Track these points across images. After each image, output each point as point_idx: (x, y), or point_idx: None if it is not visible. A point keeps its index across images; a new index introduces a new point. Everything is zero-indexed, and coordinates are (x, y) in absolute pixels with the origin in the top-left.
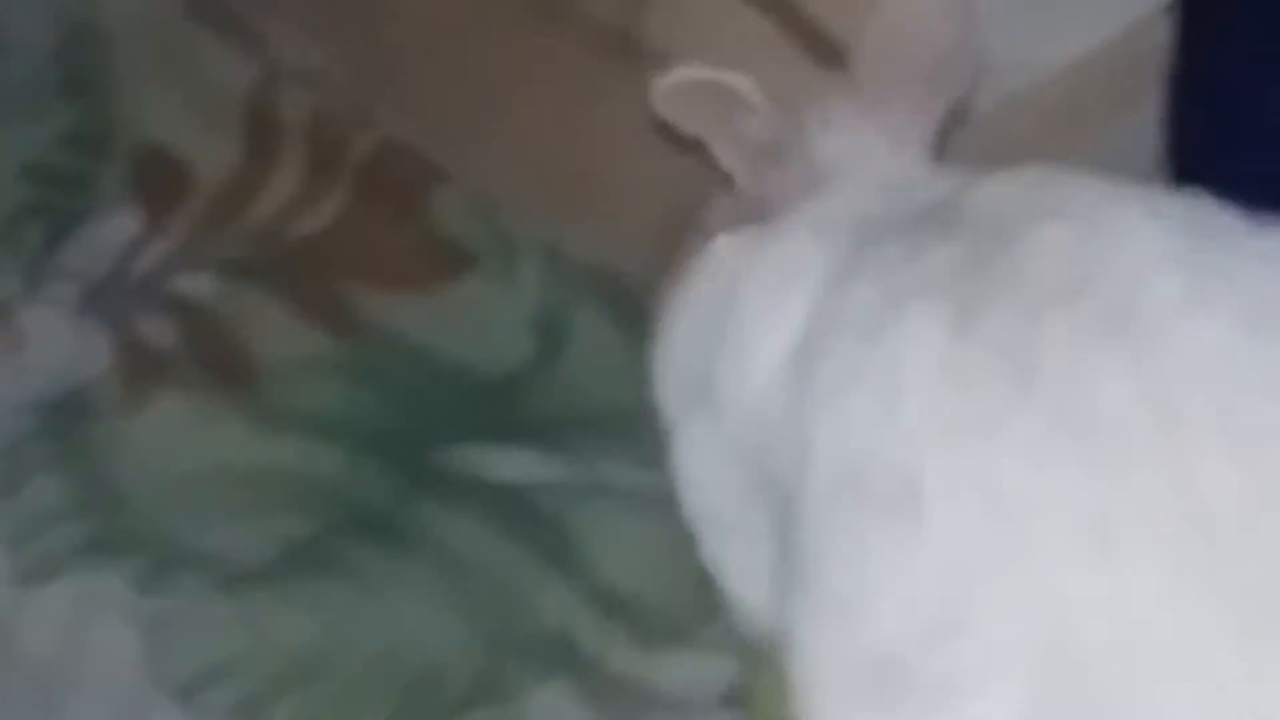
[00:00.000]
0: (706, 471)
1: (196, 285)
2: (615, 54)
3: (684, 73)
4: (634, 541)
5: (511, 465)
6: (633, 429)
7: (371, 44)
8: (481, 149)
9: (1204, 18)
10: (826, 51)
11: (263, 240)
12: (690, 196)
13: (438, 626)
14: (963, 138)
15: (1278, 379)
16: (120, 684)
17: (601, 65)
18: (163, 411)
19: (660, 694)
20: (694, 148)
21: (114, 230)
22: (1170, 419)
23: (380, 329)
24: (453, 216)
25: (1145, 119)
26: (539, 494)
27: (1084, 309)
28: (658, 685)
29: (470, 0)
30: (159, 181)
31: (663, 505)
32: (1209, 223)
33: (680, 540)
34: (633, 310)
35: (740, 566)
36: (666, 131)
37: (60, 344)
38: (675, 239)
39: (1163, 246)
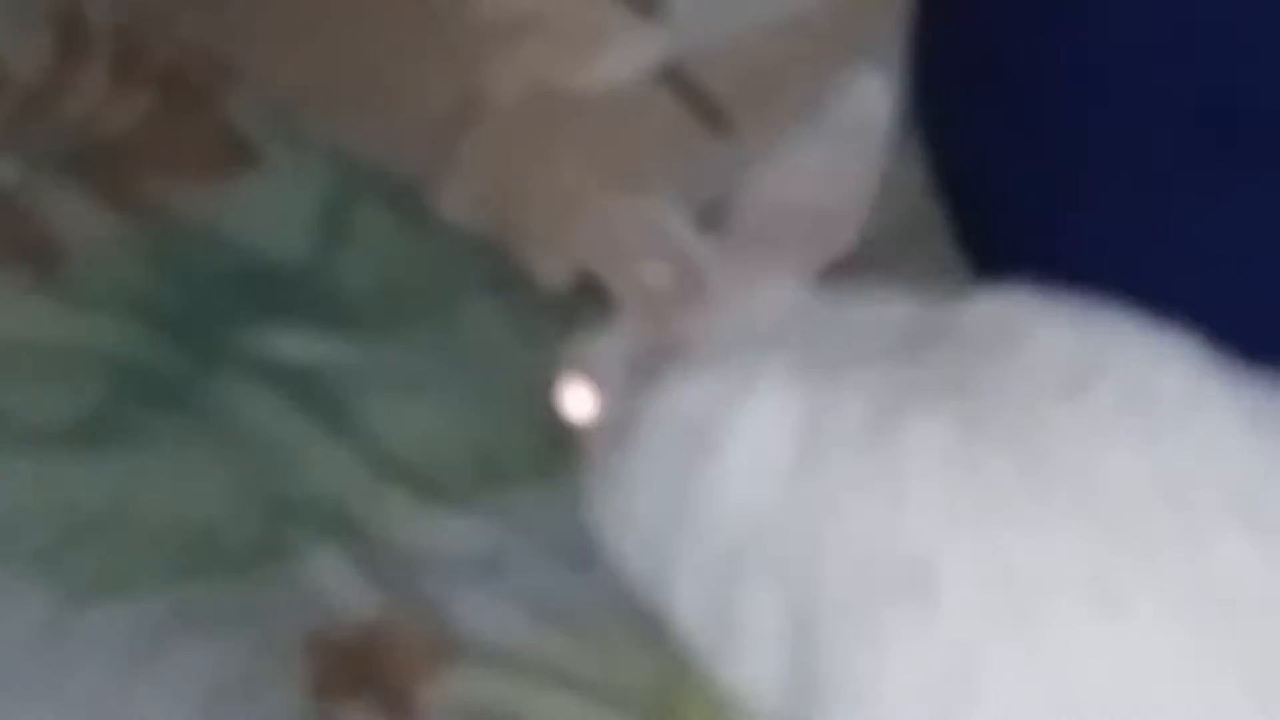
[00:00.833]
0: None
1: (5, 175)
2: None
3: (617, 210)
4: (410, 416)
5: (297, 345)
6: (409, 313)
7: None
8: (275, 56)
9: None
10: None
11: (70, 135)
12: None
13: (221, 491)
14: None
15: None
16: None
17: None
18: None
19: (430, 557)
20: None
21: None
22: (1183, 498)
23: (178, 218)
24: (247, 118)
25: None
26: (322, 372)
27: (1090, 402)
28: (429, 549)
29: None
30: None
31: (435, 385)
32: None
33: (451, 414)
34: (411, 205)
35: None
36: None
37: None
38: (447, 140)
39: (1164, 349)
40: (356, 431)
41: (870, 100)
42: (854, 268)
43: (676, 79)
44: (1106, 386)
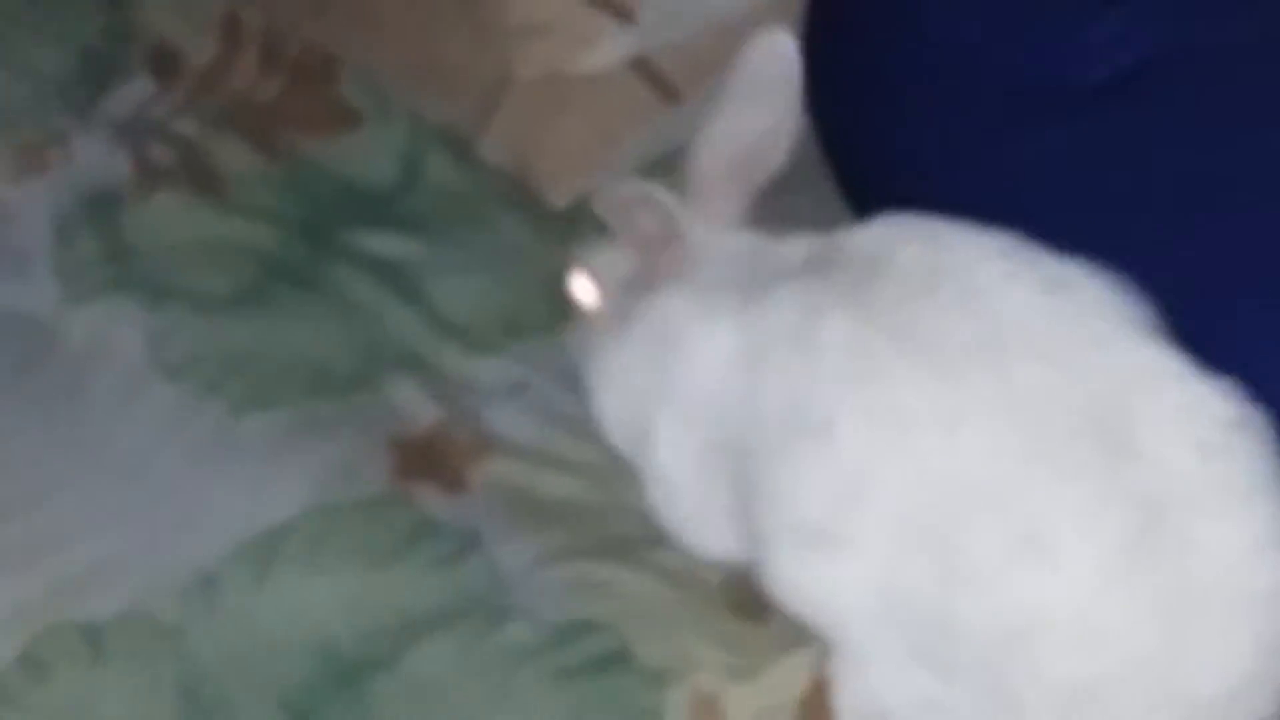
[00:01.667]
0: (675, 456)
1: (187, 128)
2: None
3: (627, 188)
4: (461, 291)
5: (384, 244)
6: (462, 223)
7: None
8: (370, 49)
9: None
10: None
11: (231, 102)
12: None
13: (332, 340)
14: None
15: (1058, 318)
16: (129, 368)
17: None
18: (162, 204)
19: (474, 384)
20: None
21: (135, 91)
22: (996, 345)
23: (305, 158)
24: (352, 91)
25: None
26: (401, 262)
27: (939, 297)
28: (473, 378)
29: None
30: (164, 63)
31: (478, 270)
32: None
33: (490, 290)
34: (463, 150)
35: (698, 519)
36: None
37: (98, 159)
38: (488, 106)
39: (983, 249)
40: (424, 302)
41: (781, 52)
42: (775, 193)
43: (641, 65)
44: (948, 285)
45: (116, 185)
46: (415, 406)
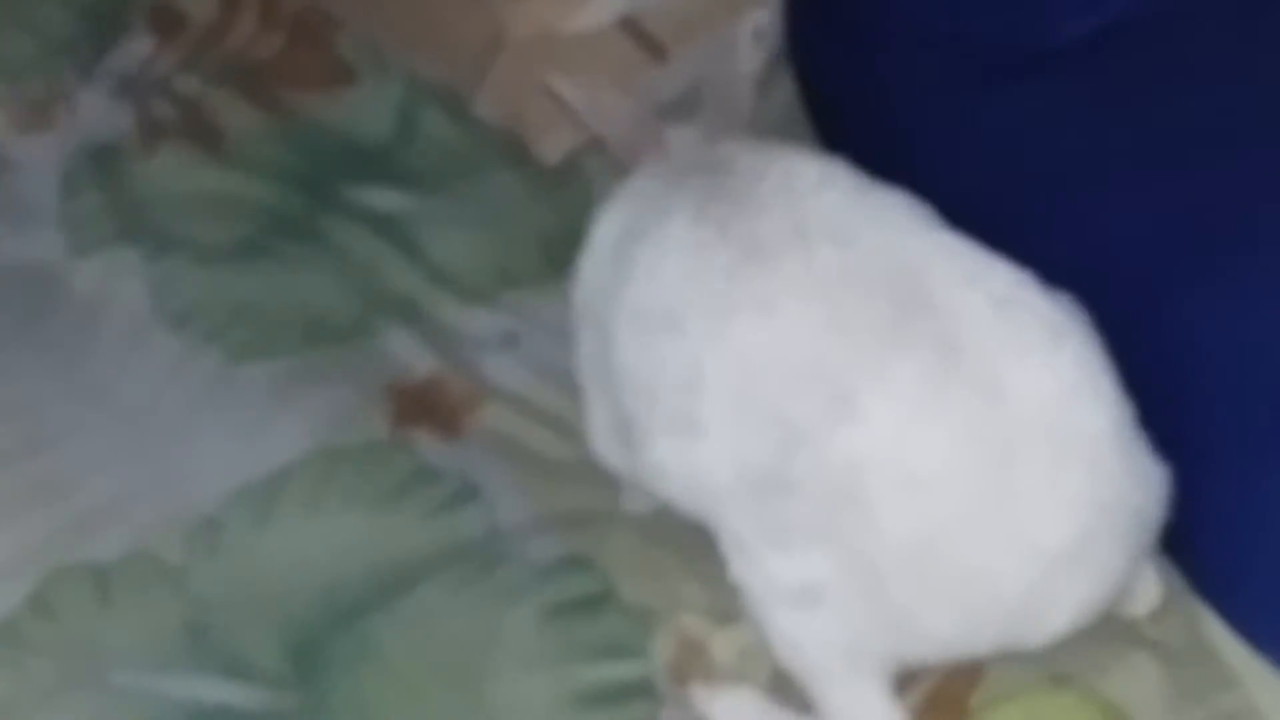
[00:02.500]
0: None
1: (189, 84)
2: None
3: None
4: (455, 243)
5: (381, 198)
6: (455, 177)
7: None
8: (366, 7)
9: None
10: None
11: (231, 60)
12: (491, 41)
13: (330, 290)
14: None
15: (860, 211)
16: (134, 318)
17: None
18: (165, 157)
19: (469, 334)
20: None
21: (138, 49)
22: (803, 235)
23: (303, 115)
24: (349, 50)
25: None
26: (398, 215)
27: (762, 195)
28: (468, 329)
29: None
30: (166, 21)
31: (472, 223)
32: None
33: (483, 242)
34: (457, 107)
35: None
36: None
37: (102, 115)
38: (482, 65)
39: (822, 175)
40: (420, 254)
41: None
42: None
43: (629, 24)
44: (770, 187)
45: (120, 140)
46: (412, 355)
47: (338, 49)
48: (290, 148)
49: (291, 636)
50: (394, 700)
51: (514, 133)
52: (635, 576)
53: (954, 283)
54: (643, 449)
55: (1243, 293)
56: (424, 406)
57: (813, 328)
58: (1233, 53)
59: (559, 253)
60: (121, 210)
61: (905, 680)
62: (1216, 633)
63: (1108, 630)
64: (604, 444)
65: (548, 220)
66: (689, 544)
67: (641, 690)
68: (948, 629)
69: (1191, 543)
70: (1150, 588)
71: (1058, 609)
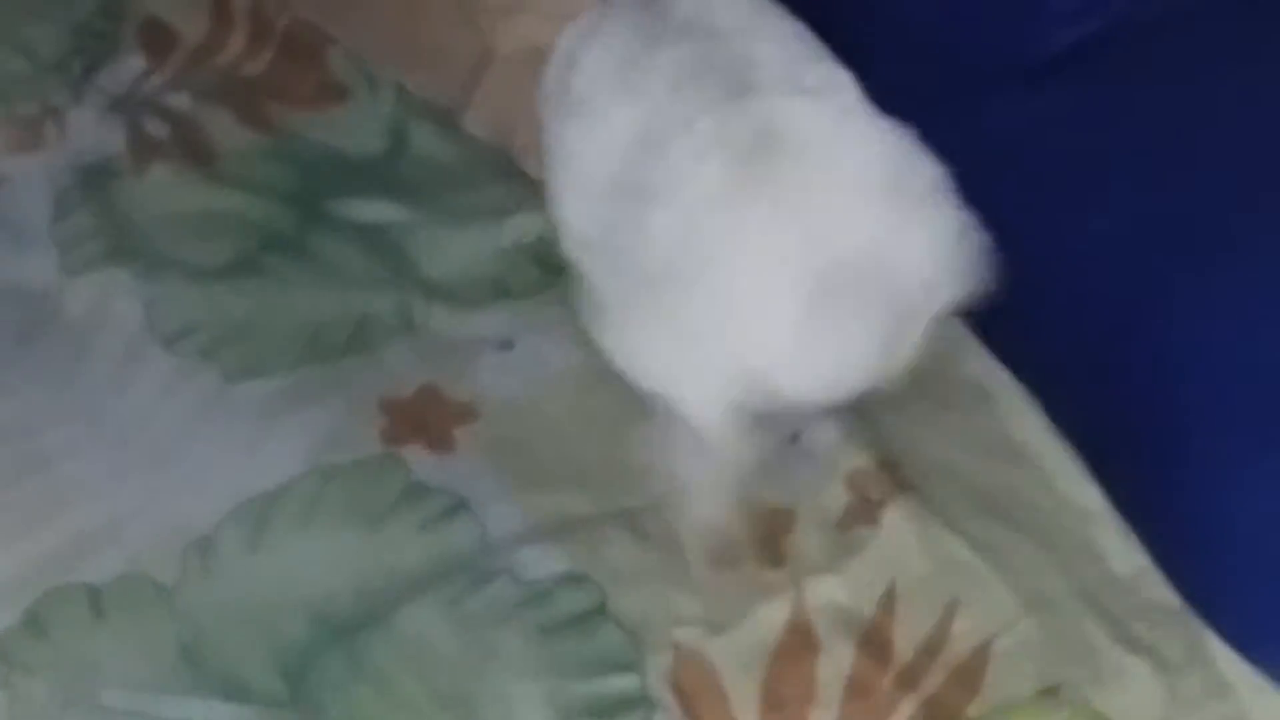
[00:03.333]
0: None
1: (180, 102)
2: None
3: None
4: (447, 253)
5: (372, 211)
6: (445, 190)
7: None
8: (358, 26)
9: None
10: None
11: (222, 77)
12: (479, 58)
13: (323, 305)
14: None
15: (749, 16)
16: (127, 336)
17: None
18: (156, 175)
19: (461, 344)
20: None
21: (129, 67)
22: (687, 29)
23: (293, 131)
24: (340, 66)
25: None
26: (388, 228)
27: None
28: (460, 338)
29: None
30: (157, 39)
31: (462, 235)
32: None
33: (474, 252)
34: (446, 122)
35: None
36: None
37: (93, 133)
38: (470, 81)
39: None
40: (412, 265)
41: None
42: None
43: None
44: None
45: (111, 159)
46: (404, 368)
47: (328, 65)
48: (282, 164)
49: (286, 656)
50: (390, 719)
51: (501, 145)
52: (629, 588)
53: (775, 77)
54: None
55: (1226, 301)
56: (417, 420)
57: (656, 113)
58: (1221, 62)
59: (551, 264)
60: (114, 229)
61: (901, 688)
62: (1212, 643)
63: (1105, 639)
64: None
65: (539, 232)
66: (681, 557)
67: (638, 703)
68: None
69: (1177, 555)
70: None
71: (817, 355)
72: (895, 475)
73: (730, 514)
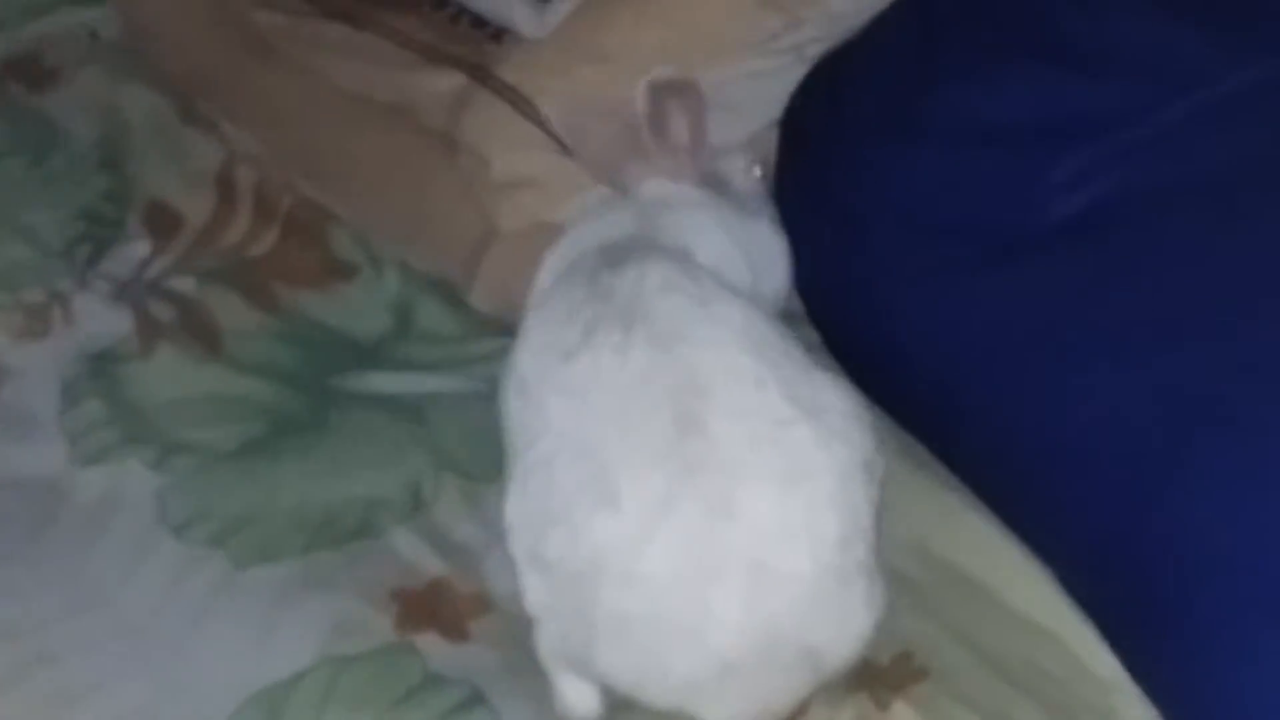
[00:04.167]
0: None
1: (185, 285)
2: (441, 147)
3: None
4: (458, 424)
5: (382, 381)
6: (452, 362)
7: (289, 140)
8: (361, 204)
9: None
10: None
11: (227, 259)
12: (483, 233)
13: (334, 490)
14: None
15: (693, 323)
16: (137, 525)
17: (433, 151)
18: (164, 359)
19: (473, 530)
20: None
21: (134, 251)
22: (627, 330)
23: (298, 311)
24: (344, 245)
25: None
26: (399, 401)
27: (615, 287)
28: (472, 523)
29: (346, 113)
30: (162, 222)
31: (473, 403)
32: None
33: (485, 422)
34: (452, 297)
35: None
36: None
37: (99, 319)
38: (475, 257)
39: (664, 268)
40: (425, 438)
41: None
42: None
43: None
44: (621, 296)
45: (118, 343)
46: (417, 557)
47: (331, 244)
48: (288, 345)
49: None
50: None
51: (507, 318)
52: None
53: (728, 413)
54: None
55: (1241, 474)
56: (429, 610)
57: (604, 419)
58: (1217, 236)
59: None
60: (123, 417)
61: None
62: None
63: None
64: None
65: None
66: None
67: None
68: (625, 686)
69: None
70: None
71: (720, 704)
72: (908, 666)
73: None
